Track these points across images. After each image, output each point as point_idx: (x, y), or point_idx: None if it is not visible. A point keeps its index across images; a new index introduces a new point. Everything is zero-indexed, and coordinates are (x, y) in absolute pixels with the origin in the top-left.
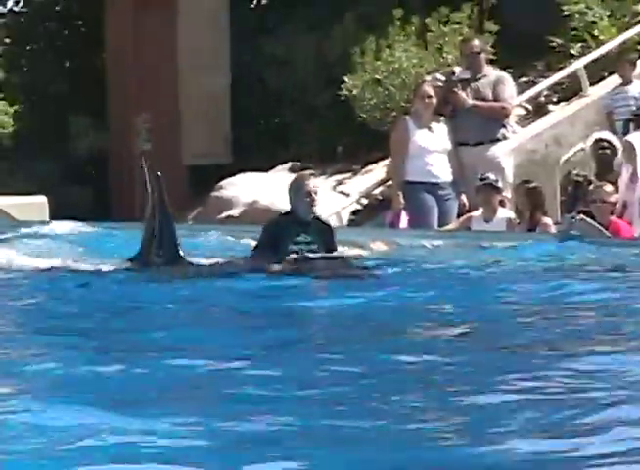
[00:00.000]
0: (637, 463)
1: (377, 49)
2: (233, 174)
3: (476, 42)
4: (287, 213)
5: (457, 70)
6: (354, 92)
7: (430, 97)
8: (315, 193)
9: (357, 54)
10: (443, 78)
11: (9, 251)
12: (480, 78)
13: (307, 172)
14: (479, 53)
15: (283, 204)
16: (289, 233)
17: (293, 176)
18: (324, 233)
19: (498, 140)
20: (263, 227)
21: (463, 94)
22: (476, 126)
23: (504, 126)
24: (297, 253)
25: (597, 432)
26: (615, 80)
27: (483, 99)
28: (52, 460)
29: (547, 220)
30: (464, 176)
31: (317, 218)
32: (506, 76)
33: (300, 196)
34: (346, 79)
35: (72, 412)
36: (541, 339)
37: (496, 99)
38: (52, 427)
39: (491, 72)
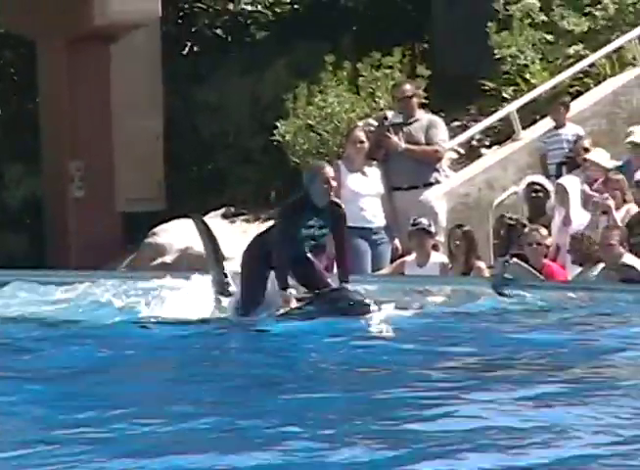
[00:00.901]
0: None
1: (309, 94)
2: (167, 221)
3: (408, 86)
4: (301, 199)
5: (389, 114)
6: (287, 137)
7: (362, 142)
8: (332, 179)
9: (289, 99)
10: (375, 123)
11: None
12: (412, 122)
13: (323, 162)
14: (411, 97)
15: None
16: (302, 219)
17: (226, 221)
18: (338, 217)
19: (431, 184)
20: (279, 211)
21: (395, 138)
22: (409, 170)
23: (437, 170)
24: (312, 239)
25: None
26: (547, 123)
27: (416, 143)
28: None
29: (481, 264)
30: (397, 221)
31: (332, 202)
32: (438, 120)
33: (317, 183)
34: (279, 125)
35: None
36: None
37: (429, 143)
38: None
39: (423, 116)
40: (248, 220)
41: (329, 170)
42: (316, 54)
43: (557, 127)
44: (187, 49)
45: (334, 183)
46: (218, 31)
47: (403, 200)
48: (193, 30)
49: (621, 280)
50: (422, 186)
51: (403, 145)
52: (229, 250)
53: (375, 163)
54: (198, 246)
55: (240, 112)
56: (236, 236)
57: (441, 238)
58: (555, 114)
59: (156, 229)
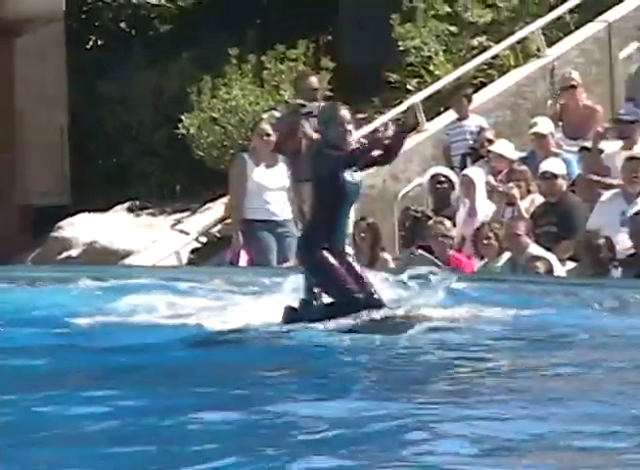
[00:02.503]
0: None
1: (213, 87)
2: (72, 215)
3: (313, 78)
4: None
5: (301, 102)
6: (191, 131)
7: (268, 135)
8: (349, 123)
9: (194, 93)
10: (279, 115)
11: None
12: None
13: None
14: (317, 89)
15: (122, 243)
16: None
17: (132, 215)
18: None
19: None
20: (311, 162)
21: (309, 129)
22: None
23: None
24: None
25: None
26: (451, 115)
27: None
28: None
29: (386, 256)
30: (304, 213)
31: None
32: None
33: (333, 126)
34: (183, 118)
35: None
36: None
37: None
38: None
39: None
40: (153, 214)
41: (343, 112)
42: (220, 47)
43: (460, 119)
44: (91, 43)
45: (349, 127)
46: (122, 25)
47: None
48: (97, 25)
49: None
50: None
51: (315, 135)
52: (134, 243)
53: (281, 156)
54: (103, 239)
55: (144, 105)
56: (140, 229)
57: (349, 230)
58: (457, 106)
59: (61, 223)
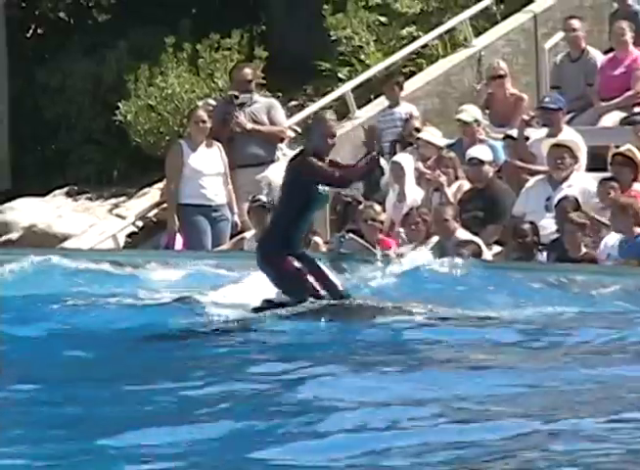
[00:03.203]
0: None
1: (150, 75)
2: (12, 199)
3: (247, 70)
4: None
5: (237, 94)
6: (129, 117)
7: (204, 121)
8: (333, 135)
9: (131, 80)
10: (215, 103)
11: None
12: (253, 103)
13: (328, 113)
14: (250, 80)
15: (60, 227)
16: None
17: (70, 199)
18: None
19: (272, 162)
20: (290, 166)
21: (243, 119)
22: (251, 149)
23: (277, 149)
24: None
25: None
26: (381, 102)
27: (260, 123)
28: None
29: (317, 239)
30: (238, 198)
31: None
32: (276, 102)
33: (323, 137)
34: (121, 105)
35: None
36: None
37: (272, 123)
38: None
39: (260, 99)
40: (90, 199)
41: (333, 123)
42: (157, 36)
43: (391, 106)
44: (31, 32)
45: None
46: (61, 14)
47: (244, 178)
48: (36, 13)
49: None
50: (263, 164)
51: (249, 125)
52: (72, 227)
53: (216, 142)
54: (42, 223)
55: (82, 93)
56: (79, 214)
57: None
58: (389, 93)
59: (1, 207)
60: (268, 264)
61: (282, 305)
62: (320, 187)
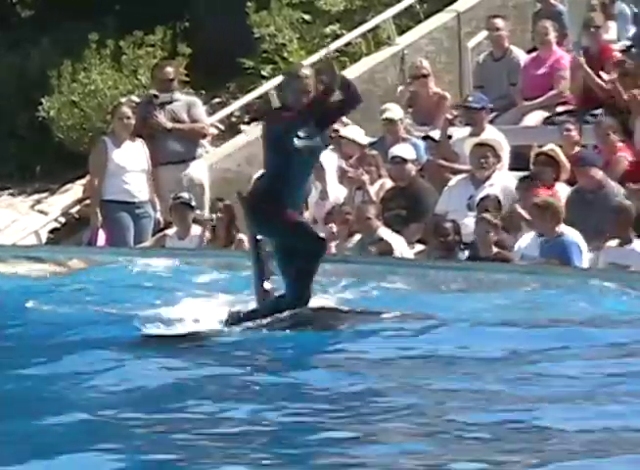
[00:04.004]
0: None
1: (73, 72)
2: None
3: (169, 68)
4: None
5: (157, 93)
6: (52, 113)
7: (128, 118)
8: (307, 91)
9: (54, 76)
10: (138, 100)
11: None
12: (173, 102)
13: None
14: (172, 79)
15: None
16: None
17: None
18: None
19: (194, 159)
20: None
21: (162, 118)
22: (173, 147)
23: (199, 146)
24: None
25: None
26: None
27: (181, 121)
28: None
29: (242, 236)
30: (160, 195)
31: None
32: (197, 100)
33: (296, 94)
34: (44, 101)
35: None
36: None
37: (192, 121)
38: None
39: (181, 97)
40: (12, 194)
41: (307, 80)
42: (80, 32)
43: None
44: None
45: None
46: None
47: (167, 175)
48: None
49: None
50: (185, 162)
51: (169, 124)
52: None
53: (139, 139)
54: None
55: (6, 88)
56: (1, 209)
57: (205, 212)
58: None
59: None
60: (266, 219)
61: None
62: (295, 140)
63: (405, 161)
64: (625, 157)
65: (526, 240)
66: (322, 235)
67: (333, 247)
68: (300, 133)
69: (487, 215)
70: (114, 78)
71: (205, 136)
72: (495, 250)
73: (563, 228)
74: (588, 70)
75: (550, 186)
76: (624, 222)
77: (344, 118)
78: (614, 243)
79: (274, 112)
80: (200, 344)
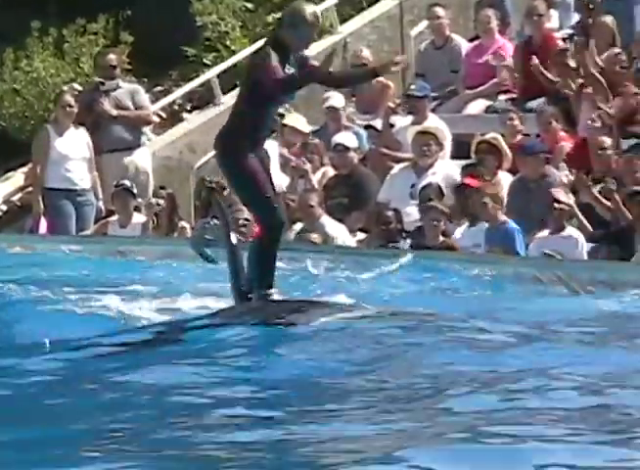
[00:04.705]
0: None
1: (15, 59)
2: None
3: (112, 56)
4: (274, 45)
5: (103, 81)
6: None
7: (71, 106)
8: (317, 26)
9: None
10: (80, 88)
11: None
12: (116, 89)
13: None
14: (115, 66)
15: None
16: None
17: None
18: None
19: (138, 146)
20: (253, 65)
21: (108, 105)
22: (117, 134)
23: (142, 134)
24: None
25: None
26: None
27: (125, 108)
28: None
29: (184, 224)
30: (103, 183)
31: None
32: (139, 87)
33: (302, 28)
34: None
35: None
36: None
37: (136, 108)
38: None
39: (125, 84)
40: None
41: (315, 24)
42: (22, 20)
43: None
44: None
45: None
46: None
47: (110, 163)
48: None
49: None
50: (128, 149)
51: (115, 112)
52: None
53: (82, 127)
54: None
55: None
56: None
57: (149, 199)
58: None
59: None
60: (228, 158)
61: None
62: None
63: (347, 149)
64: (567, 146)
65: (461, 230)
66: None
67: None
68: None
69: (438, 204)
70: (56, 66)
71: (149, 123)
72: (442, 238)
73: (505, 216)
74: (536, 61)
75: (493, 174)
76: (561, 211)
77: (287, 105)
78: (546, 232)
79: (269, 65)
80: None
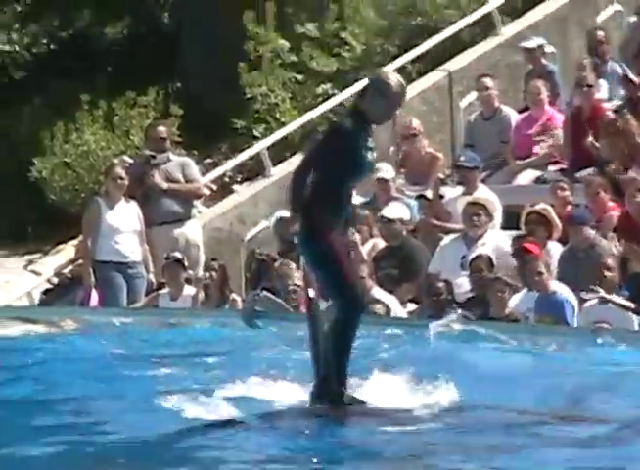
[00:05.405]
0: None
1: (66, 132)
2: None
3: (162, 128)
4: (355, 114)
5: (154, 154)
6: (44, 174)
7: (122, 179)
8: (400, 104)
9: (47, 137)
10: (131, 160)
11: None
12: (167, 162)
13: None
14: (165, 139)
15: None
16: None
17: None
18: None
19: (189, 219)
20: (330, 133)
21: (158, 178)
22: (167, 207)
23: (193, 206)
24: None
25: None
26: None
27: (176, 181)
28: None
29: (235, 296)
30: (153, 255)
31: None
32: (189, 160)
33: (385, 99)
34: (36, 162)
35: None
36: None
37: (187, 181)
38: None
39: (175, 157)
40: (5, 255)
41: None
42: (72, 93)
43: None
44: None
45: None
46: None
47: (160, 235)
48: None
49: None
50: (178, 222)
51: (166, 185)
52: None
53: (132, 200)
54: None
55: None
56: None
57: (199, 272)
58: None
59: None
60: (310, 248)
61: None
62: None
63: (397, 220)
64: (615, 215)
65: (518, 296)
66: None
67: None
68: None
69: (503, 276)
70: (106, 139)
71: (199, 196)
72: (508, 311)
73: (556, 285)
74: (591, 139)
75: (543, 245)
76: (610, 280)
77: None
78: (595, 300)
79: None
80: None
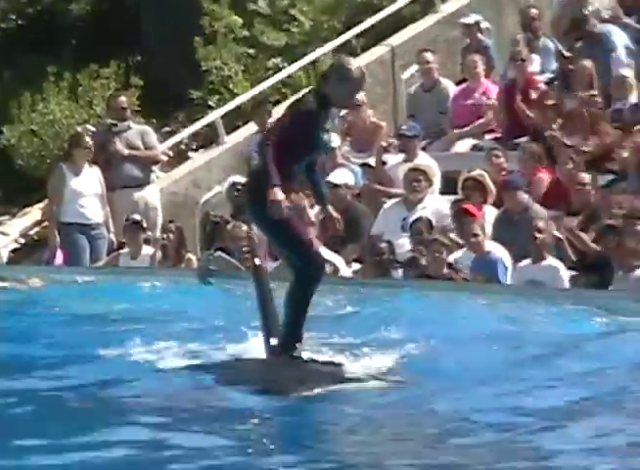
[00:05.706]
0: None
1: (33, 102)
2: None
3: (123, 98)
4: (318, 97)
5: (115, 122)
6: (12, 141)
7: (88, 148)
8: (360, 88)
9: (15, 107)
10: (93, 128)
11: None
12: (127, 130)
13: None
14: (126, 108)
15: None
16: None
17: None
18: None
19: (148, 183)
20: (294, 111)
21: (120, 145)
22: (128, 172)
23: (151, 171)
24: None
25: None
26: (249, 128)
27: (136, 148)
28: None
29: (191, 256)
30: (114, 217)
31: None
32: (149, 128)
33: (347, 84)
34: (5, 130)
35: None
36: None
37: (146, 148)
38: None
39: (135, 125)
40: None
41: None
42: (40, 65)
43: (259, 132)
44: None
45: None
46: None
47: (122, 198)
48: None
49: None
50: (139, 186)
51: (126, 151)
52: None
53: (94, 165)
54: None
55: None
56: None
57: (157, 233)
58: (259, 120)
59: None
60: (257, 200)
61: None
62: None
63: (339, 186)
64: (544, 178)
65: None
66: (319, 252)
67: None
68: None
69: (441, 237)
70: (70, 108)
71: (157, 162)
72: (446, 270)
73: (490, 246)
74: (521, 104)
75: (479, 209)
76: (541, 241)
77: None
78: (527, 261)
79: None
80: None
